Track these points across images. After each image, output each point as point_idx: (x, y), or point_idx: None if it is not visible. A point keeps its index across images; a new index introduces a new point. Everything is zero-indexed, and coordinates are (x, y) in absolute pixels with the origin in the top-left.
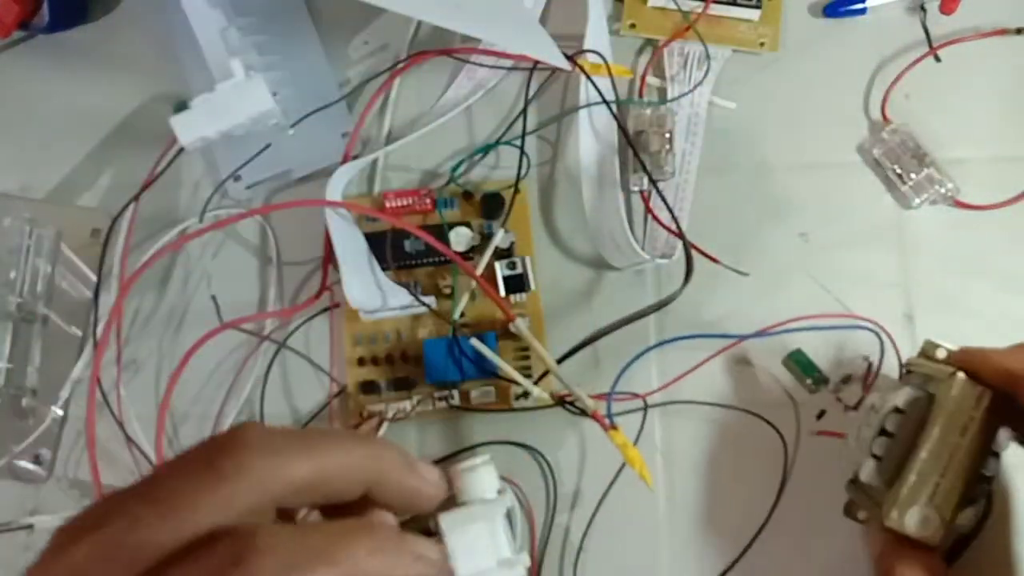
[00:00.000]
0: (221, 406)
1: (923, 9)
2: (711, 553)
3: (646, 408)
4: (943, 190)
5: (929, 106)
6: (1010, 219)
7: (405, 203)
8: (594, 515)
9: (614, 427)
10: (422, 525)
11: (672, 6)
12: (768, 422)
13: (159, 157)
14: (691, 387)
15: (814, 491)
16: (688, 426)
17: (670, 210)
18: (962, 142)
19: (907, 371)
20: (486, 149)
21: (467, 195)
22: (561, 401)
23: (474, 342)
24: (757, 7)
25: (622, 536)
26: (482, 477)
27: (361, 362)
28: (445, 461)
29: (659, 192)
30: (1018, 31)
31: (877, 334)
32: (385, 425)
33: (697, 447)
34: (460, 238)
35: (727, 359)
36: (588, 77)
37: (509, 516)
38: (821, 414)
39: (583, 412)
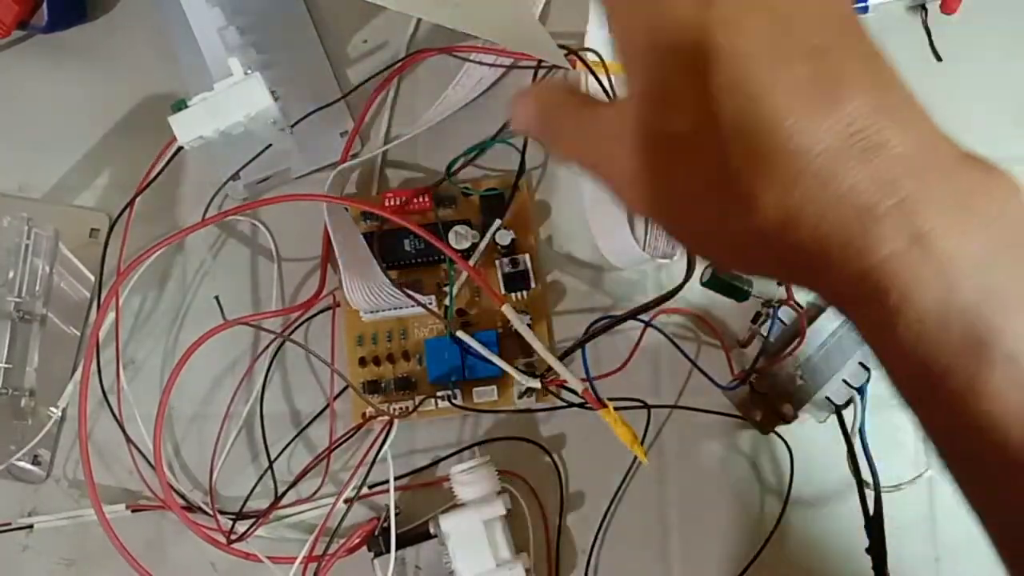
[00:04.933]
0: (224, 407)
1: (924, 9)
2: (722, 558)
3: (649, 412)
4: None
5: (930, 105)
6: None
7: (404, 201)
8: (606, 516)
9: (604, 404)
10: (421, 528)
11: None
12: (775, 432)
13: (158, 157)
14: (696, 392)
15: (820, 497)
16: (694, 430)
17: None
18: (963, 141)
19: None
20: (483, 147)
21: (466, 194)
22: (547, 387)
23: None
24: None
25: (633, 537)
26: (481, 478)
27: (363, 362)
28: (446, 460)
29: None
30: None
31: None
32: (396, 424)
33: (703, 451)
34: (461, 237)
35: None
36: (593, 74)
37: (508, 516)
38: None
39: (571, 403)
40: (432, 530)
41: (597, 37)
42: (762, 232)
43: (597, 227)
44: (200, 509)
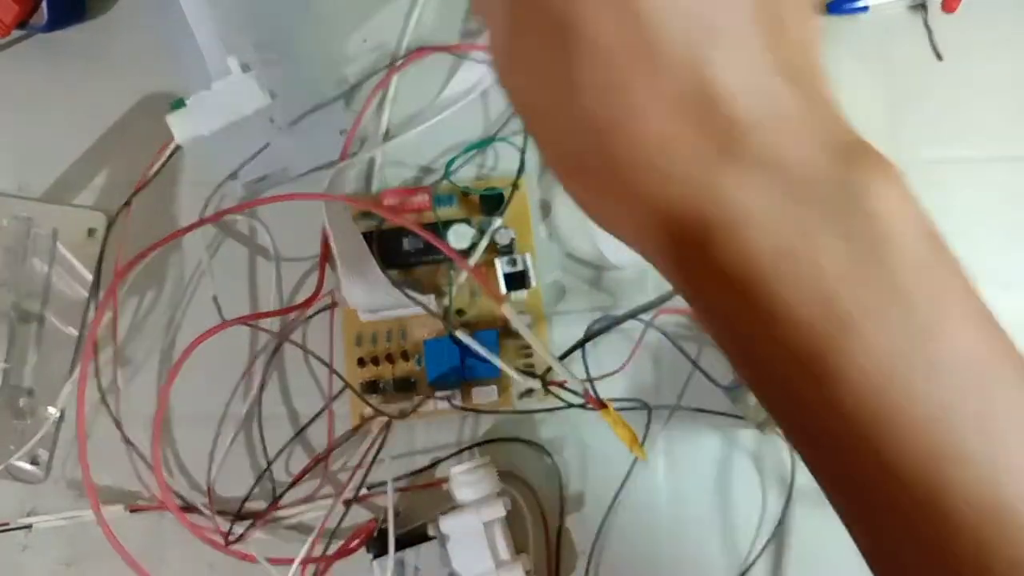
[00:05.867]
0: (222, 408)
1: (924, 7)
2: (723, 559)
3: (650, 412)
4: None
5: (930, 104)
6: (1011, 219)
7: (403, 200)
8: (605, 518)
9: (604, 405)
10: (420, 529)
11: None
12: (777, 432)
13: (155, 156)
14: (696, 392)
15: (821, 497)
16: (694, 430)
17: None
18: (963, 141)
19: None
20: (482, 145)
21: (465, 193)
22: (547, 387)
23: (460, 335)
24: None
25: (632, 539)
26: (480, 479)
27: (362, 362)
28: (446, 461)
29: None
30: None
31: None
32: (394, 425)
33: (703, 451)
34: (460, 236)
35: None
36: None
37: (508, 517)
38: None
39: (571, 403)
40: (431, 532)
41: None
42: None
43: (597, 227)
44: (198, 510)
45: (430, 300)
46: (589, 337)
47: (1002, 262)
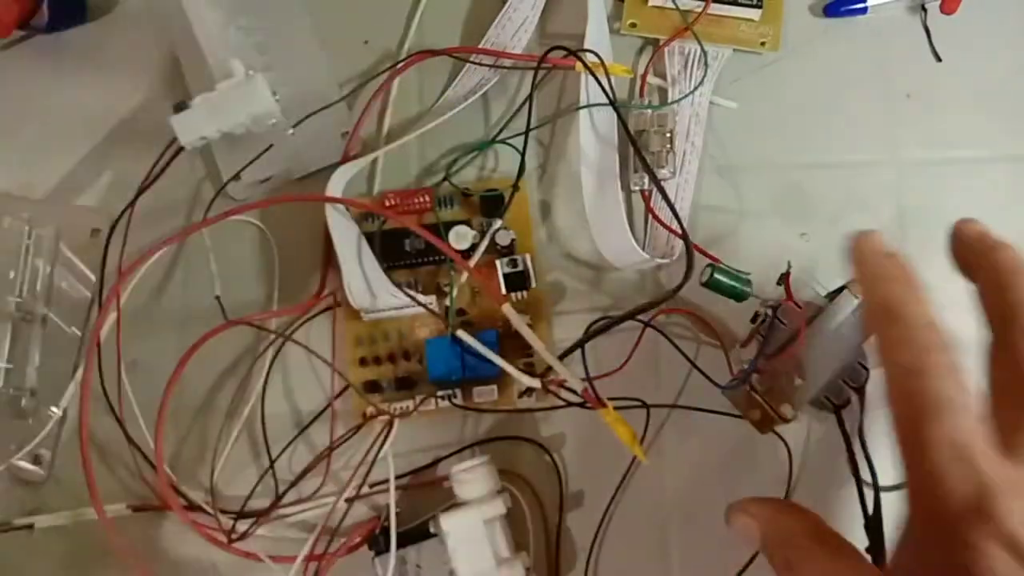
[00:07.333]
0: (225, 407)
1: (924, 9)
2: (721, 558)
3: (648, 411)
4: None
5: (930, 105)
6: (1013, 220)
7: (404, 201)
8: (605, 516)
9: (603, 404)
10: (421, 527)
11: (672, 5)
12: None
13: (159, 157)
14: (695, 392)
15: (820, 497)
16: (694, 430)
17: (673, 209)
18: (963, 141)
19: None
20: (483, 147)
21: (466, 194)
22: (547, 386)
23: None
24: (758, 7)
25: (632, 537)
26: (481, 477)
27: (363, 362)
28: (446, 460)
29: (663, 191)
30: None
31: None
32: (396, 424)
33: (702, 451)
34: (461, 237)
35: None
36: (593, 75)
37: (508, 515)
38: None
39: (571, 402)
40: (432, 529)
41: (596, 37)
42: None
43: (597, 227)
44: (201, 508)
45: (431, 300)
46: (589, 337)
47: None
